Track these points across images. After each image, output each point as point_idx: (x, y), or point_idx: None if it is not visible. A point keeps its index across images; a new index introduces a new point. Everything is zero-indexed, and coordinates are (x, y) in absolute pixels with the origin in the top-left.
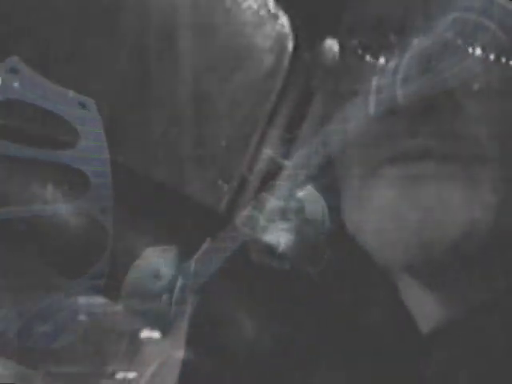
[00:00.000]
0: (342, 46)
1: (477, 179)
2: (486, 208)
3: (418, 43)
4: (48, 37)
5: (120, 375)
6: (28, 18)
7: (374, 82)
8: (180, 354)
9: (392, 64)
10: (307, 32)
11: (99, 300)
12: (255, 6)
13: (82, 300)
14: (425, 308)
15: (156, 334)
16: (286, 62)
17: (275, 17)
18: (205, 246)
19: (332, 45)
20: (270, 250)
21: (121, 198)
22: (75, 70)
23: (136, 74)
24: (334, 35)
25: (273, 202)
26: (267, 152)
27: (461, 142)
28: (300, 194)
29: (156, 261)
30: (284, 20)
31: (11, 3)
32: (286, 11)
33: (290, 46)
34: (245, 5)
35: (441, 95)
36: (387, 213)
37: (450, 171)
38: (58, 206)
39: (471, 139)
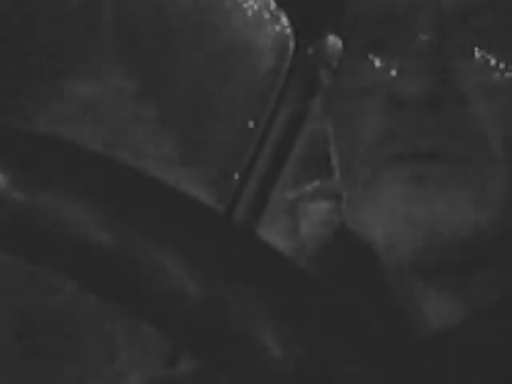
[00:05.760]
0: (345, 44)
1: (485, 179)
2: (494, 208)
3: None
4: None
5: None
6: None
7: (380, 79)
8: None
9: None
10: (309, 29)
11: None
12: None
13: None
14: (430, 310)
15: None
16: (287, 61)
17: (277, 17)
18: None
19: (335, 42)
20: None
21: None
22: None
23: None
24: (337, 32)
25: None
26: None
27: (469, 142)
28: None
29: None
30: (285, 20)
31: None
32: (288, 9)
33: (292, 44)
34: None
35: (448, 93)
36: (394, 212)
37: (457, 170)
38: None
39: (479, 139)
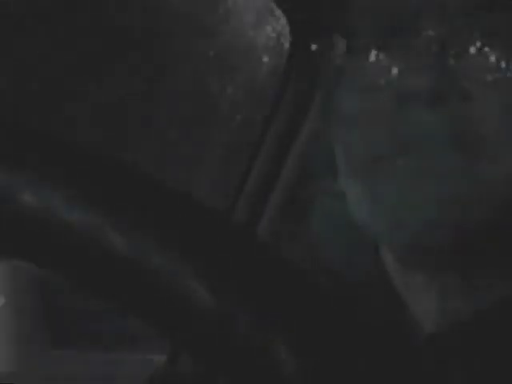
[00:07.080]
0: (349, 42)
1: (488, 176)
2: (496, 205)
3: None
4: None
5: None
6: None
7: (385, 77)
8: None
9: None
10: (307, 29)
11: None
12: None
13: None
14: (431, 307)
15: None
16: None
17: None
18: None
19: (339, 40)
20: None
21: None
22: None
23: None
24: (339, 33)
25: None
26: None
27: (471, 139)
28: None
29: None
30: (285, 20)
31: None
32: (287, 9)
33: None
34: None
35: (452, 90)
36: (397, 208)
37: (460, 167)
38: None
39: (482, 136)
